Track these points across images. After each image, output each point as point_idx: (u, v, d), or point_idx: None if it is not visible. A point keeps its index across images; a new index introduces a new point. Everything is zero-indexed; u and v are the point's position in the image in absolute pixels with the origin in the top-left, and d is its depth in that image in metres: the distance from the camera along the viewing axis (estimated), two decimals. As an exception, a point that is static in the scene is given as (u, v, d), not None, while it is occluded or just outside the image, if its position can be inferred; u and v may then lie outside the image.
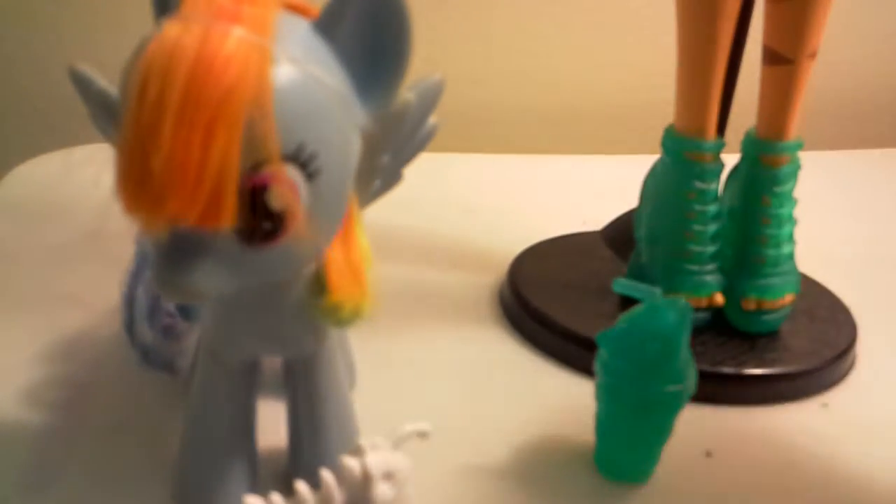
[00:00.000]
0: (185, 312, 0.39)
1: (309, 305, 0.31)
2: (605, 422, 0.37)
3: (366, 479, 0.29)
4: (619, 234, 0.55)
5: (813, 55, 0.43)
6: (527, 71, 0.82)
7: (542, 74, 0.82)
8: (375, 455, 0.29)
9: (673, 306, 0.34)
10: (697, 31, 0.43)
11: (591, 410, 0.37)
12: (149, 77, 0.24)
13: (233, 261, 0.26)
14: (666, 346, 0.34)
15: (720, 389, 0.43)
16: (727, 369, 0.43)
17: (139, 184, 0.24)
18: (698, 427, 0.41)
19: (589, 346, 0.38)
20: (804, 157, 0.46)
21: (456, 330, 0.49)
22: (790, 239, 0.46)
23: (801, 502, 0.37)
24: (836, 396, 0.45)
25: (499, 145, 0.79)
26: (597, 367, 0.36)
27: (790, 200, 0.45)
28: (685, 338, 0.35)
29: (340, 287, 0.30)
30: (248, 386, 0.34)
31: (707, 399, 0.43)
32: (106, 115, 0.32)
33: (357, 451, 0.29)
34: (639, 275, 0.48)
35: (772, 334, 0.46)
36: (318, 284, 0.31)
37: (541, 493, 0.37)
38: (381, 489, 0.29)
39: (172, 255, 0.26)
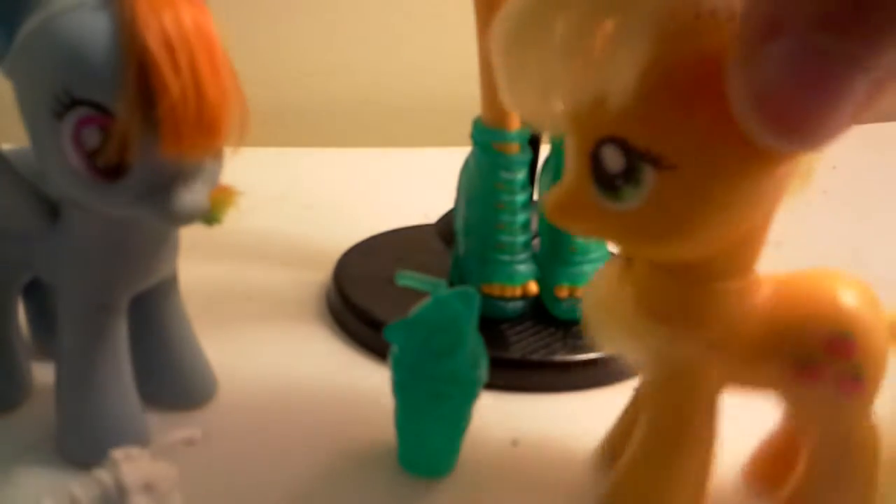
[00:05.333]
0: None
1: None
2: (402, 417, 0.36)
3: (121, 492, 0.27)
4: (451, 226, 0.55)
5: None
6: (368, 65, 0.81)
7: (385, 67, 0.82)
8: (130, 466, 0.28)
9: (459, 296, 0.34)
10: (487, 22, 0.43)
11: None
12: None
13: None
14: (453, 337, 0.34)
15: (531, 378, 0.43)
16: (536, 357, 0.43)
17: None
18: (506, 417, 0.41)
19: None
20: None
21: (277, 330, 0.48)
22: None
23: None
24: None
25: (343, 139, 0.78)
26: (390, 362, 0.36)
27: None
28: (472, 326, 0.35)
29: None
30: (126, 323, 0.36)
31: (517, 388, 0.43)
32: None
33: (110, 464, 0.28)
34: (458, 267, 0.48)
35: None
36: None
37: (339, 495, 0.36)
38: (139, 501, 0.28)
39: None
